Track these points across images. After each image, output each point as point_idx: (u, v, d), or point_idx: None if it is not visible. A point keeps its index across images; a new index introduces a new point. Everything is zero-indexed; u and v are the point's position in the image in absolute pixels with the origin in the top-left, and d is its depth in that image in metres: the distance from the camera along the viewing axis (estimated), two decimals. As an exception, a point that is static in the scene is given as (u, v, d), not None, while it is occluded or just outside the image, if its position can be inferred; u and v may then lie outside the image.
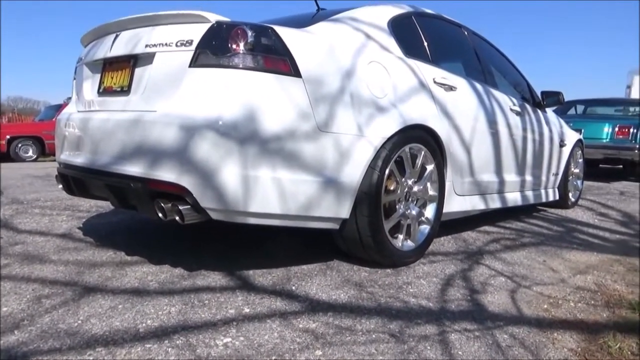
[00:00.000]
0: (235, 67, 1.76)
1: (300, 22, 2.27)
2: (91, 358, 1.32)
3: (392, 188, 2.23)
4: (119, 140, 1.90)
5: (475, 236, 3.06)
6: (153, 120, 1.80)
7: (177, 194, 1.77)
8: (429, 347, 1.48)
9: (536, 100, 3.74)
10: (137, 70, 2.01)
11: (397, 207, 2.26)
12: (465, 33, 3.16)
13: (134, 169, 1.84)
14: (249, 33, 1.79)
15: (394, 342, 1.51)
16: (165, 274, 2.05)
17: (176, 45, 1.85)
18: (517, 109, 3.25)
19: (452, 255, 2.58)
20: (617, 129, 6.77)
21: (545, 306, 1.89)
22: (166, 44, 1.88)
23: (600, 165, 7.45)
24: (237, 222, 1.84)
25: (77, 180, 2.16)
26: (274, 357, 1.37)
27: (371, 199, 2.06)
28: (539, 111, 3.71)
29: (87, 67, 2.34)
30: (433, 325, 1.65)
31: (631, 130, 6.69)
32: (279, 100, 1.80)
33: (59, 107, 13.16)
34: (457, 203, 2.71)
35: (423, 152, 2.35)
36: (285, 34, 1.87)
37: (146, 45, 1.95)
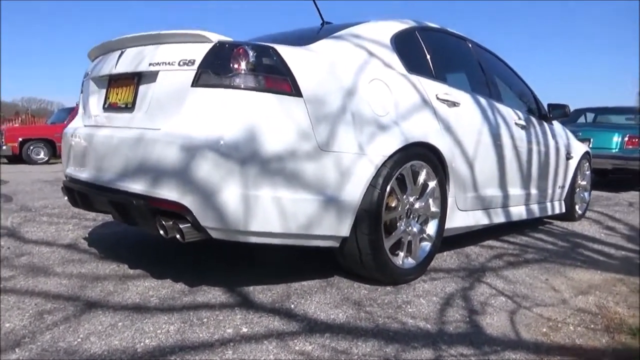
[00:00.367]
0: (237, 87, 1.78)
1: (303, 38, 2.29)
2: (88, 379, 1.34)
3: (393, 205, 2.24)
4: (123, 157, 1.93)
5: (479, 251, 3.05)
6: (155, 139, 1.82)
7: (178, 212, 1.79)
8: (424, 373, 1.48)
9: (542, 112, 3.72)
10: (141, 88, 2.04)
11: (398, 224, 2.27)
12: (470, 46, 3.15)
13: (136, 186, 1.86)
14: (251, 53, 1.81)
15: (389, 366, 1.51)
16: (166, 289, 2.08)
17: (179, 65, 1.87)
18: (522, 122, 3.24)
19: (454, 272, 2.57)
20: (626, 139, 6.70)
21: (544, 330, 1.88)
22: (169, 63, 1.90)
23: (610, 175, 7.36)
24: (238, 241, 1.86)
25: (81, 195, 2.19)
26: (268, 381, 1.39)
27: (371, 217, 2.07)
28: (545, 123, 3.69)
29: (94, 82, 2.37)
30: (429, 350, 1.65)
31: (642, 140, 6.61)
32: (279, 121, 1.82)
33: (71, 110, 13.32)
34: (460, 218, 2.71)
35: (425, 169, 2.35)
36: (287, 53, 1.89)
37: (150, 64, 1.97)
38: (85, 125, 2.36)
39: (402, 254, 2.28)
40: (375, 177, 2.06)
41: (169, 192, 1.78)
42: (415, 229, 2.36)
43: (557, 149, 3.77)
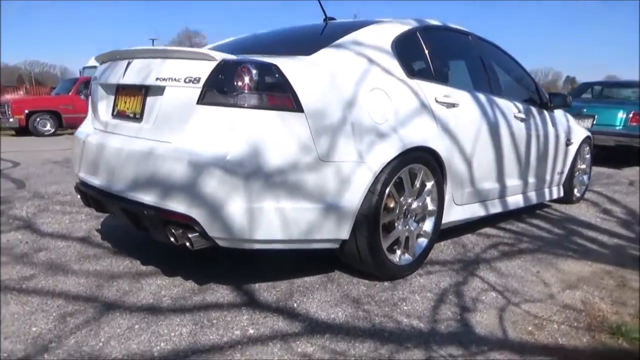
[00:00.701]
0: (241, 106, 1.86)
1: (305, 44, 2.35)
2: (112, 385, 1.50)
3: (391, 206, 2.34)
4: (134, 169, 2.03)
5: (475, 240, 3.18)
6: (165, 155, 1.92)
7: (186, 223, 1.91)
8: (414, 376, 1.63)
9: (543, 101, 3.76)
10: (149, 100, 2.12)
11: (396, 224, 2.38)
12: (471, 40, 3.18)
13: (147, 197, 1.98)
14: (254, 72, 1.89)
15: (383, 369, 1.66)
16: (177, 287, 2.22)
17: (185, 82, 1.95)
18: (522, 115, 3.29)
19: (449, 264, 2.70)
20: (630, 116, 6.70)
21: (530, 328, 2.02)
22: (175, 79, 1.98)
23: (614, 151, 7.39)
24: (242, 248, 1.99)
25: (95, 200, 2.31)
26: (273, 386, 1.54)
27: (370, 220, 2.18)
28: (546, 112, 3.73)
29: (102, 87, 2.45)
30: (421, 350, 1.79)
31: (646, 117, 6.61)
32: (282, 136, 1.91)
33: (75, 81, 13.38)
34: (457, 213, 2.82)
35: (423, 171, 2.45)
36: (288, 69, 1.96)
37: (157, 78, 2.05)
38: (95, 129, 2.46)
39: (399, 252, 2.41)
40: (373, 184, 2.16)
41: (178, 205, 1.89)
42: (412, 227, 2.48)
43: (557, 137, 3.83)
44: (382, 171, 2.18)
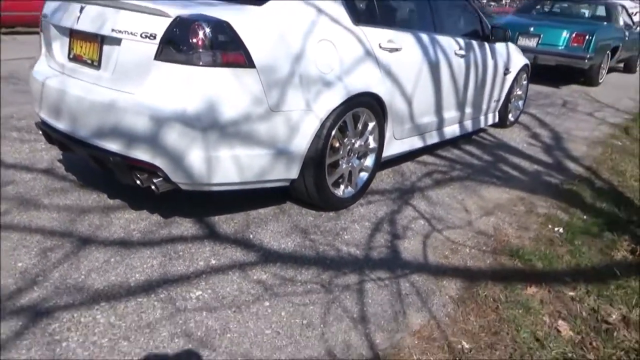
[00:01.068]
0: (196, 64, 2.01)
1: None
2: (98, 312, 1.80)
3: (336, 146, 2.62)
4: (98, 119, 2.17)
5: (413, 168, 3.54)
6: (128, 108, 2.07)
7: (151, 170, 2.13)
8: (348, 297, 2.02)
9: (486, 34, 3.97)
10: (106, 48, 2.21)
11: (340, 162, 2.67)
12: (420, -21, 3.28)
13: (113, 146, 2.15)
14: (207, 30, 2.00)
15: (323, 292, 2.04)
16: (144, 221, 2.48)
17: (141, 37, 2.05)
18: (462, 52, 3.51)
19: (388, 193, 3.07)
20: (573, 36, 7.00)
21: (446, 252, 2.45)
22: (132, 33, 2.07)
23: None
24: (202, 190, 2.24)
25: (60, 142, 2.46)
26: (232, 308, 1.89)
27: (316, 162, 2.46)
28: (487, 45, 3.96)
29: (54, 27, 2.48)
30: (356, 275, 2.18)
31: (587, 37, 6.93)
32: (235, 91, 2.09)
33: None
34: (397, 146, 3.14)
35: (365, 114, 2.70)
36: (240, 26, 2.08)
37: (112, 30, 2.13)
38: (52, 70, 2.52)
39: (342, 186, 2.73)
40: (320, 129, 2.41)
41: (142, 154, 2.09)
42: (355, 164, 2.78)
43: (495, 68, 4.10)
44: (327, 118, 2.42)
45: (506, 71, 4.35)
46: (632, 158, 4.18)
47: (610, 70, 8.54)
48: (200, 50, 2.01)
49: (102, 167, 2.33)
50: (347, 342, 1.77)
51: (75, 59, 2.38)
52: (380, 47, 2.72)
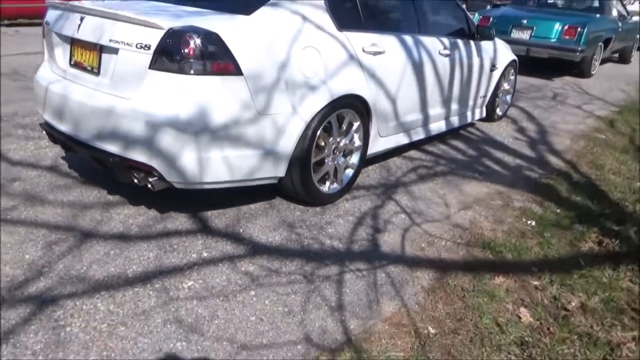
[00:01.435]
0: (188, 73, 2.17)
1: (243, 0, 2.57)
2: (99, 301, 2.00)
3: (322, 145, 2.79)
4: (98, 123, 2.34)
5: (400, 164, 3.71)
6: (125, 114, 2.24)
7: (147, 170, 2.31)
8: (327, 287, 2.21)
9: (471, 32, 4.11)
10: (104, 57, 2.37)
11: (325, 161, 2.85)
12: (404, -18, 3.41)
13: (112, 147, 2.33)
14: (198, 41, 2.16)
15: (305, 282, 2.22)
16: (142, 216, 2.67)
17: (136, 47, 2.21)
18: (446, 51, 3.66)
19: (373, 189, 3.24)
20: (565, 28, 7.10)
21: (423, 245, 2.63)
22: (128, 44, 2.23)
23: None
24: (195, 188, 2.42)
25: (63, 143, 2.63)
26: (220, 297, 2.08)
27: (302, 161, 2.63)
28: (472, 43, 4.10)
29: (57, 35, 2.64)
30: (336, 266, 2.37)
31: (579, 30, 7.03)
32: (224, 97, 2.26)
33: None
34: (382, 143, 3.30)
35: (350, 114, 2.86)
36: (229, 37, 2.24)
37: (110, 40, 2.29)
38: (55, 75, 2.69)
39: (328, 183, 2.91)
40: (305, 130, 2.57)
41: (139, 155, 2.27)
42: (340, 162, 2.95)
43: (481, 65, 4.25)
44: (312, 119, 2.58)
45: (493, 67, 4.49)
46: (613, 151, 4.34)
47: (605, 61, 8.64)
48: (191, 59, 2.17)
49: (102, 166, 2.51)
50: (323, 327, 1.96)
51: (76, 65, 2.54)
52: (364, 50, 2.87)
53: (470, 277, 2.37)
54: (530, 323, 2.11)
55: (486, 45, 4.34)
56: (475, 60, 4.13)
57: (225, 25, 2.28)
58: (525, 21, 7.37)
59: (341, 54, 2.73)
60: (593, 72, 7.87)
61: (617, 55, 9.73)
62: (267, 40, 2.40)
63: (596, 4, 8.03)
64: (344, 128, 2.88)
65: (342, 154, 2.96)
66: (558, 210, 3.14)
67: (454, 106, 4.04)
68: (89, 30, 2.39)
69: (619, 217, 3.08)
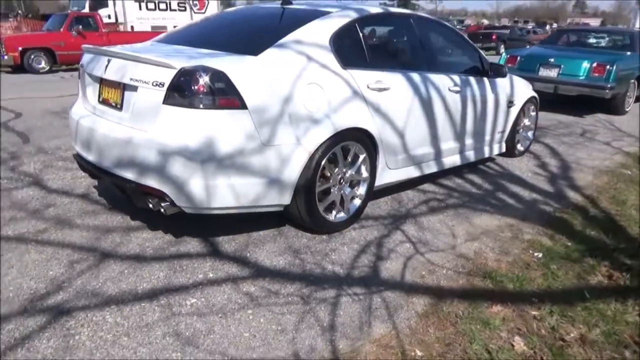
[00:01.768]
0: (197, 107, 2.39)
1: (255, 41, 2.81)
2: (107, 314, 2.16)
3: (328, 175, 2.92)
4: (118, 152, 2.59)
5: (412, 196, 3.79)
6: (141, 144, 2.47)
7: (160, 195, 2.51)
8: (322, 308, 2.29)
9: (485, 69, 4.21)
10: (126, 94, 2.64)
11: (331, 190, 2.97)
12: (413, 22, 3.59)
13: (129, 174, 2.56)
14: (207, 79, 2.39)
15: (301, 303, 2.32)
16: (158, 240, 2.86)
17: (152, 85, 2.46)
18: (457, 88, 3.76)
19: (381, 219, 3.33)
20: (594, 66, 7.07)
21: (423, 273, 2.67)
22: (145, 82, 2.49)
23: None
24: (203, 213, 2.60)
25: (89, 171, 2.90)
26: (219, 314, 2.20)
27: (306, 190, 2.77)
28: (486, 80, 4.19)
29: (88, 75, 2.95)
30: (334, 290, 2.45)
31: (607, 67, 6.98)
32: (230, 129, 2.45)
33: (66, 17, 13.42)
34: (391, 175, 3.40)
35: (355, 146, 3.00)
36: (235, 75, 2.45)
37: (131, 79, 2.56)
38: (86, 110, 2.98)
39: (334, 212, 3.02)
40: (309, 161, 2.72)
41: (153, 182, 2.48)
42: (347, 192, 3.07)
43: (497, 101, 4.32)
44: (316, 150, 2.73)
45: (510, 104, 4.54)
46: (638, 187, 4.24)
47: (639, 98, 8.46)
48: (200, 95, 2.39)
49: (122, 192, 2.74)
50: (312, 346, 2.04)
51: (103, 102, 2.83)
52: (368, 87, 3.03)
53: (466, 304, 2.39)
54: (523, 352, 2.11)
55: (502, 82, 4.42)
56: (490, 96, 4.21)
57: (232, 65, 2.50)
58: (552, 59, 7.40)
59: (344, 90, 2.90)
60: (627, 109, 7.72)
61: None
62: (271, 78, 2.60)
63: (627, 41, 7.96)
64: (349, 160, 3.01)
65: (348, 184, 3.09)
66: (569, 244, 3.11)
67: (469, 141, 4.10)
68: (114, 70, 2.68)
69: (634, 251, 3.02)
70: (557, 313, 2.37)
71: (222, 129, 2.43)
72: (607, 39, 8.40)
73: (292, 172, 2.69)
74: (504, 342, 2.15)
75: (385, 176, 3.34)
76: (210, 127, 2.41)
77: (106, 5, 18.48)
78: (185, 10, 20.28)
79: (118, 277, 2.45)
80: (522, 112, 4.82)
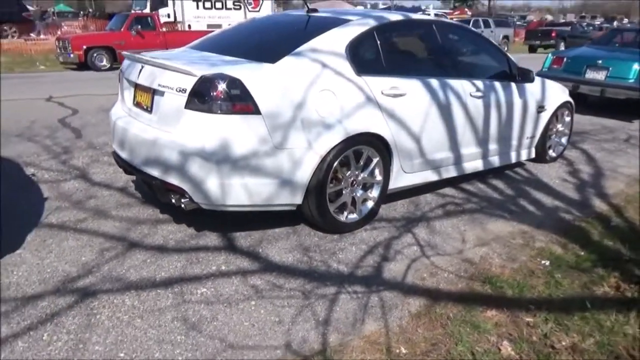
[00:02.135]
0: (215, 112, 2.60)
1: (275, 49, 3.00)
2: (127, 298, 2.42)
3: (339, 177, 3.07)
4: (146, 151, 2.86)
5: (430, 199, 3.86)
6: (165, 144, 2.72)
7: (180, 192, 2.75)
8: (321, 304, 2.45)
9: (513, 74, 4.19)
10: (155, 98, 2.89)
11: (343, 192, 3.12)
12: (435, 29, 3.65)
13: (155, 172, 2.81)
14: (224, 86, 2.60)
15: (301, 298, 2.49)
16: (181, 232, 3.11)
17: (176, 90, 2.70)
18: (479, 93, 3.78)
19: (395, 221, 3.43)
20: (645, 69, 6.75)
21: (425, 275, 2.77)
22: (170, 88, 2.73)
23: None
24: (220, 210, 2.82)
25: (124, 168, 3.19)
26: (225, 304, 2.41)
27: (318, 191, 2.93)
28: (513, 85, 4.16)
29: (126, 80, 3.24)
30: (335, 287, 2.60)
31: (660, 70, 6.66)
32: (244, 133, 2.65)
33: (126, 17, 14.24)
34: (407, 179, 3.49)
35: (367, 151, 3.13)
36: (250, 82, 2.64)
37: (159, 84, 2.81)
38: (123, 111, 3.28)
39: (346, 212, 3.16)
40: (320, 163, 2.88)
41: (174, 179, 2.72)
42: (359, 194, 3.20)
43: (525, 106, 4.28)
44: (327, 154, 2.88)
45: (540, 109, 4.49)
46: (673, 198, 4.09)
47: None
48: (218, 101, 2.60)
49: (149, 187, 3.01)
50: (305, 337, 2.20)
51: (137, 104, 3.11)
52: (383, 93, 3.14)
53: (461, 307, 2.47)
54: (509, 356, 2.17)
55: (531, 86, 4.37)
56: (517, 101, 4.19)
57: (249, 72, 2.69)
58: (600, 61, 7.13)
59: (357, 96, 3.03)
60: (681, 115, 7.31)
61: None
62: (286, 85, 2.77)
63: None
64: (362, 163, 3.14)
65: (361, 186, 3.21)
66: (582, 253, 3.09)
67: (493, 146, 4.11)
68: (146, 76, 2.94)
69: (650, 264, 2.97)
70: (552, 321, 2.40)
71: (237, 132, 2.63)
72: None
73: (304, 174, 2.85)
74: (492, 345, 2.22)
75: (401, 179, 3.44)
76: (225, 131, 2.62)
77: (166, 5, 19.39)
78: (240, 8, 20.89)
79: (140, 265, 2.71)
80: (555, 117, 4.74)
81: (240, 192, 2.73)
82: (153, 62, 2.92)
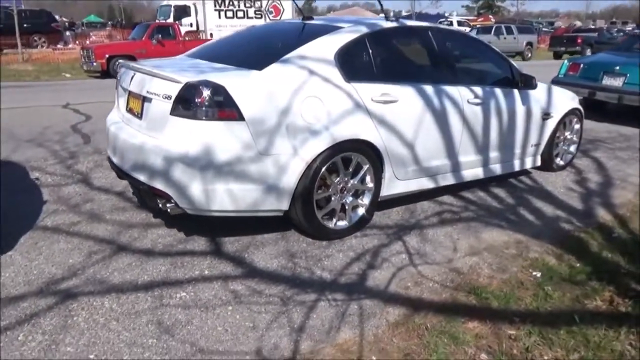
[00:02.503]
0: (199, 118, 2.63)
1: (263, 56, 3.01)
2: (106, 299, 2.45)
3: (328, 184, 3.05)
4: (134, 156, 2.90)
5: (427, 207, 3.80)
6: (151, 150, 2.76)
7: (166, 197, 2.78)
8: (297, 310, 2.42)
9: (515, 80, 4.11)
10: (145, 104, 2.94)
11: (332, 198, 3.10)
12: (430, 35, 3.61)
13: (142, 177, 2.85)
14: (207, 92, 2.62)
15: (279, 304, 2.47)
16: (170, 237, 3.14)
17: (162, 97, 2.73)
18: (477, 100, 3.72)
19: (387, 229, 3.39)
20: (664, 76, 6.54)
21: (409, 284, 2.71)
22: (157, 94, 2.77)
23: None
24: (205, 215, 2.83)
25: (116, 172, 3.25)
26: (202, 308, 2.41)
27: (304, 198, 2.91)
28: (516, 92, 4.08)
29: (121, 88, 3.30)
30: (315, 294, 2.57)
31: (680, 77, 6.44)
32: (227, 139, 2.66)
33: (148, 27, 14.60)
34: (400, 186, 3.45)
35: (357, 157, 3.10)
36: (234, 89, 2.66)
37: (147, 91, 2.85)
38: (118, 117, 3.34)
39: (335, 219, 3.14)
40: (307, 170, 2.87)
41: (159, 184, 2.75)
42: (348, 201, 3.18)
43: (528, 113, 4.19)
44: (314, 160, 2.87)
45: (546, 116, 4.38)
46: (683, 209, 3.93)
47: None
48: (202, 107, 2.62)
49: (138, 192, 3.05)
50: (277, 344, 2.18)
51: (130, 111, 3.16)
52: (372, 100, 3.11)
53: (441, 318, 2.41)
54: (486, 368, 2.11)
55: (536, 93, 4.28)
56: (520, 108, 4.10)
57: (234, 79, 2.71)
58: (618, 68, 6.94)
59: (346, 103, 3.01)
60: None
61: None
62: (271, 92, 2.78)
63: None
64: (351, 170, 3.11)
65: (351, 193, 3.19)
66: (577, 265, 2.99)
67: (494, 154, 4.03)
68: (137, 83, 2.99)
69: (649, 277, 2.85)
70: (536, 334, 2.32)
71: (220, 138, 2.65)
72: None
73: (290, 180, 2.84)
74: (468, 357, 2.16)
75: (394, 187, 3.40)
76: (209, 137, 2.64)
77: (189, 15, 19.83)
78: (261, 17, 21.18)
79: (125, 269, 2.74)
80: (562, 124, 4.63)
81: (224, 197, 2.74)
82: (143, 69, 2.97)
